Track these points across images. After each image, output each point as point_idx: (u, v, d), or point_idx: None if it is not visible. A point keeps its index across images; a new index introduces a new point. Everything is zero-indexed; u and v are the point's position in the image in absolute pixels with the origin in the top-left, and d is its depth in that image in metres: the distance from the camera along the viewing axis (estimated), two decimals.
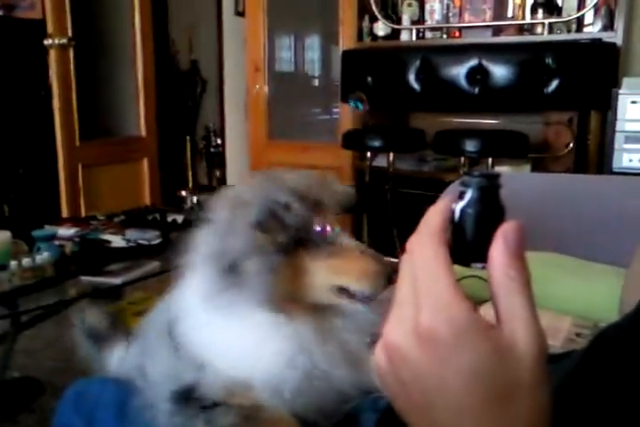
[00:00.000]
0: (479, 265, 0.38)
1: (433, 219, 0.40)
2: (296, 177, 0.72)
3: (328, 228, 0.69)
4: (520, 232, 0.37)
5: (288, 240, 0.67)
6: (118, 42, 3.91)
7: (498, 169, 2.81)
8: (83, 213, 3.47)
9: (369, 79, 3.20)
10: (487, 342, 0.36)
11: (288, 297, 0.69)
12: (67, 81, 3.41)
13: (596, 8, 2.88)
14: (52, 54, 3.33)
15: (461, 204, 0.39)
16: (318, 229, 0.69)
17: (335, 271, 0.69)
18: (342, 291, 0.69)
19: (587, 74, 2.73)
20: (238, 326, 0.70)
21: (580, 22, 2.98)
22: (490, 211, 0.39)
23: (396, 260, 0.66)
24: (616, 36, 2.76)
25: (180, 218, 3.12)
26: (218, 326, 0.71)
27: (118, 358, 0.92)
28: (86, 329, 1.01)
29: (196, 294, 0.71)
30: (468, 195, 0.39)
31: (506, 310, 0.37)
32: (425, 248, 0.39)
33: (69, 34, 3.39)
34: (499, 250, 0.37)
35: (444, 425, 0.37)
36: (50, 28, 3.30)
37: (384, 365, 0.40)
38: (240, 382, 0.70)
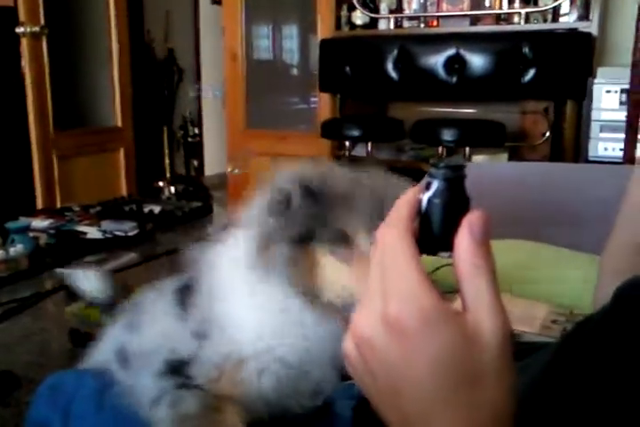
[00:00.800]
0: (446, 254, 0.39)
1: (401, 209, 0.40)
2: (344, 172, 0.69)
3: (347, 231, 0.65)
4: (485, 221, 0.38)
5: (306, 229, 0.65)
6: (93, 30, 3.84)
7: (475, 158, 2.83)
8: (58, 205, 3.43)
9: (347, 68, 3.19)
10: (453, 330, 0.36)
11: (309, 286, 0.68)
12: (40, 70, 3.35)
13: None
14: (25, 43, 3.27)
15: (428, 194, 0.40)
16: (336, 228, 0.65)
17: (347, 278, 0.66)
18: (346, 294, 0.67)
19: (563, 63, 2.75)
20: (262, 301, 0.69)
21: (556, 12, 2.99)
22: (455, 201, 0.39)
23: None
24: (591, 26, 2.78)
25: (156, 209, 3.10)
26: (239, 297, 0.69)
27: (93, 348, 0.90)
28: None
29: (225, 263, 0.71)
30: (435, 185, 0.40)
31: (471, 298, 0.37)
32: (392, 238, 0.39)
33: (42, 22, 3.33)
34: (464, 239, 0.37)
35: (412, 413, 0.37)
36: (22, 16, 3.24)
37: (353, 354, 0.40)
38: (235, 355, 0.69)
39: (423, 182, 0.41)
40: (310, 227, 0.65)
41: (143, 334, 0.75)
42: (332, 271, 0.66)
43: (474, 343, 0.36)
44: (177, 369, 0.70)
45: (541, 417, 0.48)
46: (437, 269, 1.22)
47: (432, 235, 0.40)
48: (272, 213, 0.66)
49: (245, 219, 0.70)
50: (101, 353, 0.83)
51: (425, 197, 0.40)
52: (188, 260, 0.74)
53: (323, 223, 0.65)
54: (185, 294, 0.73)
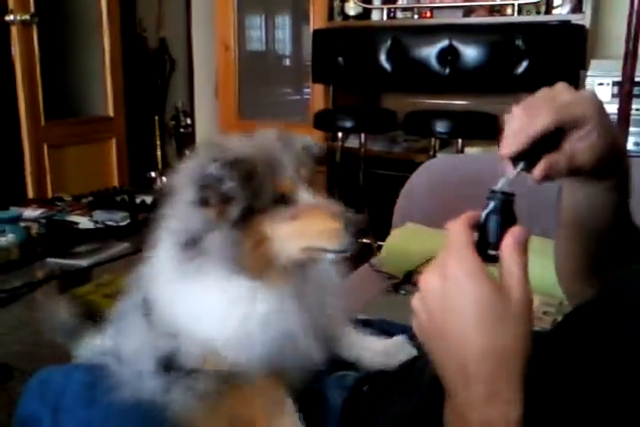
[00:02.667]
0: (493, 252, 0.54)
1: (465, 217, 0.55)
2: (241, 143, 0.72)
3: (284, 188, 0.69)
4: (525, 232, 0.52)
5: (238, 210, 0.66)
6: (84, 19, 3.81)
7: (468, 150, 2.83)
8: (49, 195, 3.41)
9: (340, 59, 3.18)
10: (491, 284, 0.50)
11: (257, 264, 0.69)
12: (30, 59, 3.32)
13: None
14: (15, 31, 3.23)
15: (486, 211, 0.56)
16: (272, 192, 0.68)
17: (300, 234, 0.69)
18: (312, 249, 0.70)
19: (555, 55, 2.75)
20: (206, 292, 0.71)
21: (549, 4, 2.99)
22: (507, 216, 0.55)
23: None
24: (584, 19, 2.78)
25: (148, 199, 3.08)
26: (187, 295, 0.71)
27: (90, 345, 0.91)
28: (57, 324, 1.00)
29: (162, 267, 0.72)
30: (492, 205, 0.56)
31: (506, 276, 0.51)
32: (456, 230, 0.54)
33: (32, 10, 3.29)
34: (509, 240, 0.52)
35: (456, 340, 0.50)
36: (11, 4, 3.20)
37: (417, 302, 0.54)
38: (211, 347, 0.70)
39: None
40: (247, 201, 0.67)
41: (129, 341, 0.77)
42: (284, 238, 0.69)
43: (504, 297, 0.50)
44: (168, 364, 0.71)
45: (535, 408, 0.49)
46: (430, 259, 1.23)
47: (486, 239, 0.55)
48: (200, 203, 0.67)
49: (171, 214, 0.71)
50: (99, 350, 0.84)
51: (484, 213, 0.56)
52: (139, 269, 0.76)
53: (256, 194, 0.67)
54: (146, 306, 0.75)
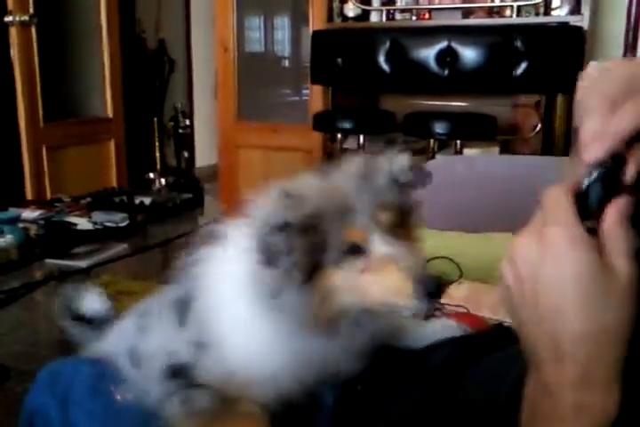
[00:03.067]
0: (588, 223, 0.48)
1: (567, 184, 0.49)
2: (314, 182, 0.66)
3: (354, 237, 0.63)
4: (629, 204, 0.47)
5: (304, 268, 0.61)
6: (83, 20, 3.81)
7: (466, 151, 2.84)
8: (48, 196, 3.41)
9: (339, 60, 3.18)
10: (594, 256, 0.45)
11: (324, 316, 0.65)
12: (29, 60, 3.32)
13: None
14: (14, 32, 3.23)
15: (589, 179, 0.49)
16: (341, 243, 0.62)
17: (369, 289, 0.64)
18: (381, 305, 0.65)
19: (554, 57, 2.76)
20: (266, 327, 0.67)
21: (547, 5, 2.99)
22: (610, 187, 0.49)
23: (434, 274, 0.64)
24: (583, 20, 2.79)
25: (147, 200, 3.09)
26: (248, 320, 0.68)
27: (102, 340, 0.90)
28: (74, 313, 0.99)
29: (237, 286, 0.68)
30: (595, 174, 0.49)
31: (613, 250, 0.46)
32: (555, 198, 0.49)
33: (31, 11, 3.29)
34: (612, 212, 0.47)
35: (550, 314, 0.46)
36: (10, 5, 3.21)
37: (506, 268, 0.49)
38: (236, 369, 0.69)
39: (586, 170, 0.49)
40: (313, 257, 0.62)
41: (149, 339, 0.76)
42: (353, 288, 0.63)
43: (608, 270, 0.45)
44: (179, 372, 0.71)
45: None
46: (431, 259, 1.22)
47: (586, 209, 0.49)
48: (266, 262, 0.62)
49: (247, 231, 0.65)
50: (112, 346, 0.83)
51: (586, 181, 0.49)
52: (187, 263, 0.73)
53: (321, 249, 0.62)
54: (184, 306, 0.72)
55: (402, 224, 0.67)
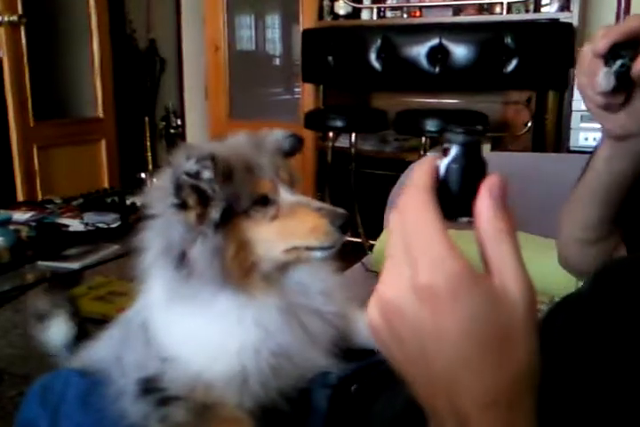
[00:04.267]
0: (465, 219, 0.39)
1: (420, 176, 0.40)
2: (215, 145, 0.71)
3: (263, 188, 0.68)
4: (504, 184, 0.38)
5: (218, 211, 0.65)
6: (73, 20, 3.79)
7: None
8: (39, 197, 3.40)
9: (330, 58, 3.17)
10: (483, 294, 0.37)
11: (243, 270, 0.67)
12: (19, 59, 3.30)
13: None
14: (3, 32, 3.22)
15: (446, 160, 0.40)
16: (251, 193, 0.67)
17: (283, 234, 0.68)
18: (297, 249, 0.69)
19: (544, 54, 2.76)
20: (201, 318, 0.70)
21: (537, 2, 3.00)
22: (474, 165, 0.40)
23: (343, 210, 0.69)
24: (572, 17, 2.79)
25: (139, 201, 3.07)
26: (182, 320, 0.71)
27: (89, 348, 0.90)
28: (35, 314, 0.99)
29: (158, 291, 0.71)
30: (453, 151, 0.40)
31: (497, 262, 0.38)
32: (416, 205, 0.39)
33: (20, 10, 3.27)
34: (485, 203, 0.38)
35: (441, 375, 0.38)
36: None
37: (380, 322, 0.40)
38: (204, 375, 0.69)
39: (439, 149, 0.41)
40: (227, 201, 0.65)
41: (128, 353, 0.76)
42: (269, 239, 0.67)
43: (502, 305, 0.37)
44: (150, 386, 0.71)
45: None
46: None
47: (451, 201, 0.40)
48: (180, 205, 0.65)
49: (154, 224, 0.69)
50: (101, 354, 0.83)
51: (443, 163, 0.40)
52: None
53: (235, 194, 0.66)
54: (145, 330, 0.74)
55: (291, 185, 0.72)
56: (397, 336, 0.39)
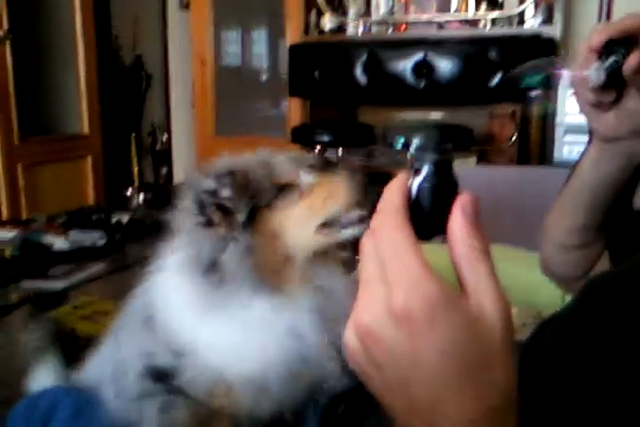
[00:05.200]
0: (439, 238, 0.39)
1: (393, 196, 0.40)
2: (228, 159, 0.70)
3: (282, 180, 0.67)
4: (476, 202, 0.38)
5: (243, 216, 0.64)
6: (58, 36, 3.78)
7: None
8: (23, 215, 3.36)
9: (316, 73, 3.19)
10: (460, 316, 0.36)
11: (277, 268, 0.66)
12: (4, 76, 3.29)
13: (536, 3, 2.94)
14: None
15: (418, 179, 0.40)
16: (271, 187, 0.66)
17: (312, 207, 0.66)
18: (328, 226, 0.67)
19: None
20: (234, 323, 0.67)
21: (521, 16, 3.03)
22: (445, 184, 0.40)
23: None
24: (555, 30, 2.82)
25: (125, 218, 3.05)
26: (212, 327, 0.68)
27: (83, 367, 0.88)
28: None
29: (183, 296, 0.69)
30: (424, 170, 0.40)
31: (472, 282, 0.37)
32: (390, 227, 0.39)
33: (5, 27, 3.26)
34: (458, 221, 0.38)
35: (421, 400, 0.37)
36: None
37: (356, 346, 0.39)
38: (222, 379, 0.68)
39: (411, 168, 0.41)
40: (250, 204, 0.65)
41: (125, 351, 0.74)
42: (296, 223, 0.66)
43: (479, 327, 0.36)
44: (159, 376, 0.69)
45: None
46: None
47: (425, 220, 0.40)
48: (206, 222, 0.65)
49: (180, 245, 0.69)
50: (94, 373, 0.81)
51: (415, 183, 0.40)
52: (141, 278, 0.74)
53: (257, 195, 0.65)
54: (149, 320, 0.71)
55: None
56: (374, 361, 0.38)
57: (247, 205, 0.65)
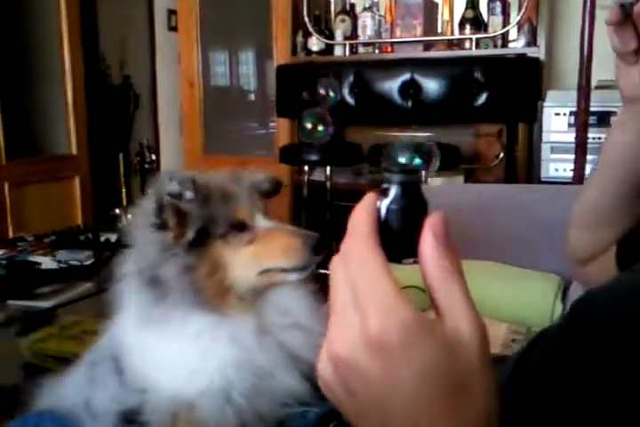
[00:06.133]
0: (410, 260, 0.39)
1: (362, 219, 0.39)
2: (200, 174, 0.72)
3: (240, 215, 0.69)
4: (446, 223, 0.37)
5: (195, 232, 0.66)
6: (46, 57, 3.79)
7: (432, 181, 2.87)
8: (10, 234, 3.34)
9: (304, 94, 3.21)
10: (435, 340, 0.36)
11: (217, 292, 0.68)
12: None
13: (520, 25, 3.00)
14: None
15: (386, 201, 0.39)
16: (228, 218, 0.68)
17: (259, 255, 0.69)
18: (271, 272, 0.70)
19: (513, 87, 2.83)
20: (176, 341, 0.69)
21: (505, 38, 3.09)
22: (414, 205, 0.39)
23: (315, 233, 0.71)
24: (539, 52, 2.88)
25: (113, 237, 3.03)
26: (156, 345, 0.70)
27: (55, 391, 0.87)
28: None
29: (130, 316, 0.71)
30: (392, 191, 0.39)
31: (445, 303, 0.37)
32: (361, 250, 0.38)
33: None
34: (428, 242, 0.37)
35: (400, 426, 0.36)
36: None
37: (330, 375, 0.38)
38: (184, 401, 0.68)
39: (379, 189, 0.41)
40: (204, 224, 0.67)
41: (99, 392, 0.74)
42: (243, 262, 0.68)
43: (456, 349, 0.36)
44: (130, 419, 0.69)
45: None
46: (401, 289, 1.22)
47: (394, 242, 0.39)
48: (159, 224, 0.67)
49: (133, 245, 0.71)
50: (68, 399, 0.80)
51: (383, 205, 0.39)
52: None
53: (213, 217, 0.68)
54: (116, 357, 0.73)
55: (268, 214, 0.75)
56: (349, 389, 0.37)
57: (200, 223, 0.67)
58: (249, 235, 0.69)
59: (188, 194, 0.66)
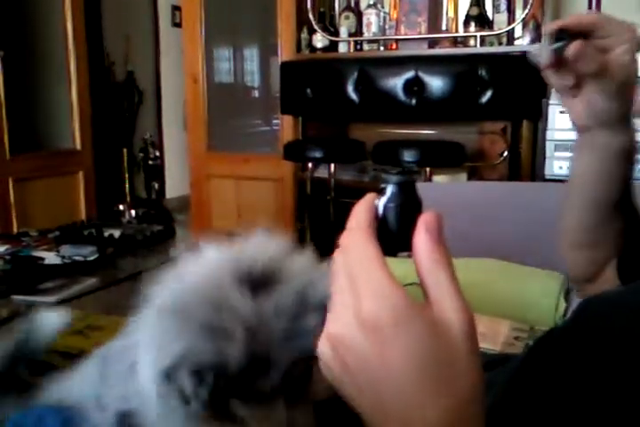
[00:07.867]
0: (405, 254, 0.42)
1: (361, 215, 0.44)
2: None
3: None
4: (438, 220, 0.41)
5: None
6: (51, 53, 3.80)
7: (436, 178, 2.87)
8: (14, 230, 3.35)
9: (308, 90, 3.21)
10: (423, 323, 0.39)
11: None
12: None
13: (525, 22, 2.99)
14: None
15: (383, 199, 0.44)
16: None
17: None
18: None
19: (518, 85, 2.83)
20: None
21: (510, 36, 3.08)
22: (409, 203, 0.43)
23: None
24: None
25: (117, 232, 3.05)
26: None
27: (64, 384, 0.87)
28: None
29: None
30: (389, 191, 0.44)
31: (434, 290, 0.41)
32: (358, 243, 0.42)
33: None
34: (421, 237, 0.41)
35: (392, 406, 0.39)
36: None
37: (329, 354, 0.42)
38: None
39: (378, 189, 0.44)
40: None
41: (111, 389, 0.74)
42: None
43: (443, 332, 0.39)
44: (125, 420, 0.69)
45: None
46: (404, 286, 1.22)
47: (390, 237, 0.43)
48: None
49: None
50: (76, 393, 0.80)
51: (381, 203, 0.44)
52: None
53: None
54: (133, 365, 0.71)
55: None
56: (346, 369, 0.41)
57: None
58: None
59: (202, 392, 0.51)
